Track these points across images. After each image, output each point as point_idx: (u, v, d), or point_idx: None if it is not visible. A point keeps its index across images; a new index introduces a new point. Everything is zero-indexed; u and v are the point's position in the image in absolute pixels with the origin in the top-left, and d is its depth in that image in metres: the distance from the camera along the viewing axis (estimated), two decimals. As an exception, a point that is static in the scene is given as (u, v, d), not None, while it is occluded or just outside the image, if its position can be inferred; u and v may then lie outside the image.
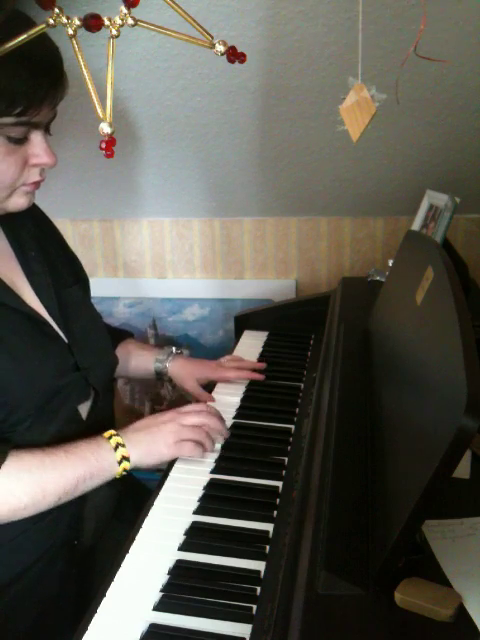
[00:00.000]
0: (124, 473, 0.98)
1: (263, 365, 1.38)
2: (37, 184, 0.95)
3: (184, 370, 1.31)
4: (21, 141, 0.89)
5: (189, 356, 1.38)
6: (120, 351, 1.32)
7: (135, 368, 1.34)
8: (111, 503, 1.14)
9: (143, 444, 0.99)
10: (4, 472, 0.89)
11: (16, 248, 1.04)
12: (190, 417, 1.06)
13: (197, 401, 1.27)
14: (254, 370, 1.34)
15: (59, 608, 1.02)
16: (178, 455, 1.03)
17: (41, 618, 0.99)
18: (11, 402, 0.93)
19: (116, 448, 0.97)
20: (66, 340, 1.03)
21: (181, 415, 1.06)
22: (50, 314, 1.03)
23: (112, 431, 0.99)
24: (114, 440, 0.98)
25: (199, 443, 1.03)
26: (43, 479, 0.91)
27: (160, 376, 1.33)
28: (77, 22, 0.61)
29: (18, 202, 0.95)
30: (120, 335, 1.36)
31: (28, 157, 0.91)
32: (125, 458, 0.97)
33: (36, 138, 0.90)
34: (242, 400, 1.26)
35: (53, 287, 1.05)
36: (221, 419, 1.10)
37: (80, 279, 1.18)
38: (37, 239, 1.08)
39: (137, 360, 1.34)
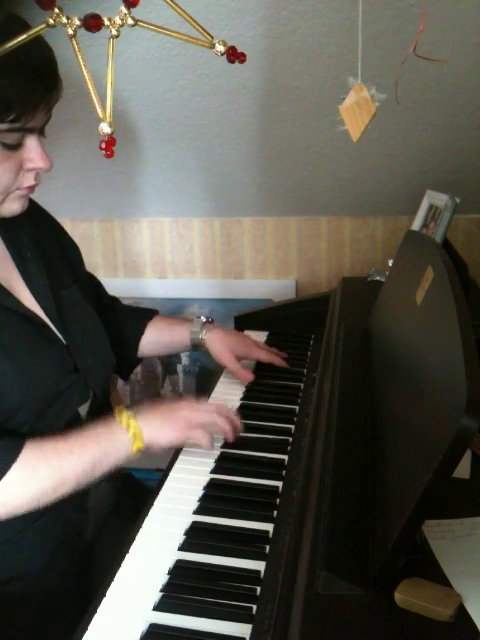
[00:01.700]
0: (139, 451, 0.97)
1: (286, 354, 1.39)
2: (31, 188, 0.94)
3: (222, 344, 1.30)
4: (16, 147, 0.88)
5: (222, 327, 1.36)
6: (151, 329, 1.32)
7: (170, 343, 1.34)
8: (110, 499, 1.14)
9: (155, 423, 0.99)
10: (22, 462, 0.89)
11: (12, 250, 1.03)
12: (207, 405, 1.07)
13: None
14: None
15: (60, 605, 1.02)
16: (187, 438, 1.01)
17: (42, 615, 0.99)
18: (11, 407, 0.93)
19: (128, 425, 0.96)
20: (65, 342, 1.03)
21: (197, 404, 1.06)
22: (48, 316, 1.03)
23: (124, 409, 0.99)
24: (125, 416, 0.97)
25: (210, 432, 1.03)
26: (60, 464, 0.91)
27: (197, 347, 1.32)
28: (77, 22, 0.61)
29: (11, 207, 0.94)
30: (147, 314, 1.36)
31: (23, 162, 0.90)
32: (137, 434, 0.96)
33: (31, 143, 0.89)
34: (242, 400, 1.26)
35: (51, 288, 1.04)
36: (237, 416, 1.10)
37: (79, 279, 1.17)
38: (34, 239, 1.07)
39: (171, 335, 1.33)
